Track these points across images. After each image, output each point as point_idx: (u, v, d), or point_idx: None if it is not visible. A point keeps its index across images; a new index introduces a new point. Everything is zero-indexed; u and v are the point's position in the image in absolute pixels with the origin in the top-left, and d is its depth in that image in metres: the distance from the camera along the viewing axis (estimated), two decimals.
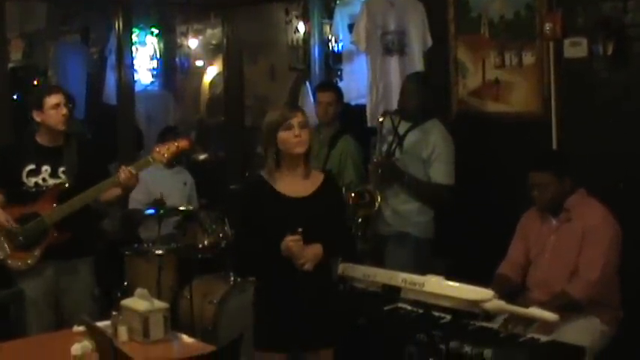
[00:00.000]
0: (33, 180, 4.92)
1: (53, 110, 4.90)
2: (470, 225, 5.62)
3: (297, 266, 3.85)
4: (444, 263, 5.47)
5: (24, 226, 4.85)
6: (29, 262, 4.88)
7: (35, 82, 9.61)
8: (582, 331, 4.18)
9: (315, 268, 3.89)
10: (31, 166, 4.92)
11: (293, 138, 3.89)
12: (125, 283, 6.15)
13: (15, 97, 8.34)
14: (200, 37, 10.22)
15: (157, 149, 4.91)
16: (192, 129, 9.70)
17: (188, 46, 10.19)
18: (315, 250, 3.88)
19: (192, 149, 6.51)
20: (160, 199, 6.28)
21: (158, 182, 6.80)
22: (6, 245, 4.88)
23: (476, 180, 5.54)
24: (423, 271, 5.04)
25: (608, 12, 4.91)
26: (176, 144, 4.89)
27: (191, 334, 5.61)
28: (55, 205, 4.88)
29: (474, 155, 5.60)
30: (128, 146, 7.91)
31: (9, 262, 4.90)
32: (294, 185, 3.97)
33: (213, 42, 9.83)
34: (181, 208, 6.38)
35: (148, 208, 6.33)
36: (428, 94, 5.38)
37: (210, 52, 10.02)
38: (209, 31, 10.03)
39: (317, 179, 4.03)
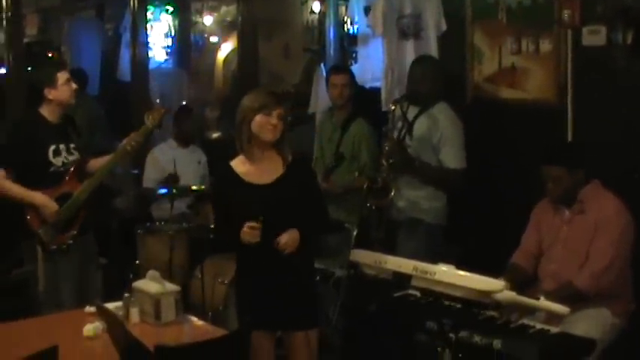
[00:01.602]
0: (60, 159, 4.95)
1: (65, 86, 4.96)
2: (483, 211, 5.62)
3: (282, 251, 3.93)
4: (456, 249, 5.48)
5: (61, 208, 4.88)
6: (70, 242, 4.93)
7: (50, 55, 9.65)
8: (592, 323, 4.17)
9: (292, 252, 3.97)
10: (53, 146, 4.94)
11: (269, 125, 3.97)
12: (137, 262, 6.19)
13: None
14: (215, 14, 10.20)
15: (150, 116, 5.16)
16: (206, 106, 9.68)
17: (203, 23, 10.17)
18: (292, 234, 3.96)
19: (183, 126, 6.72)
20: (174, 174, 6.31)
21: (173, 161, 6.83)
22: (49, 230, 4.88)
23: (490, 166, 5.52)
24: (435, 258, 5.09)
25: (628, 0, 4.85)
26: (162, 109, 5.24)
27: (202, 314, 5.71)
28: (79, 181, 4.95)
29: (488, 141, 5.58)
30: (142, 123, 7.90)
31: (53, 246, 4.91)
32: (261, 172, 4.06)
33: (228, 19, 9.80)
34: (194, 188, 6.40)
35: (161, 187, 6.36)
36: (436, 78, 5.35)
37: (225, 28, 9.99)
38: (224, 8, 10.01)
39: (280, 165, 4.09)
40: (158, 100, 8.53)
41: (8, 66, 7.33)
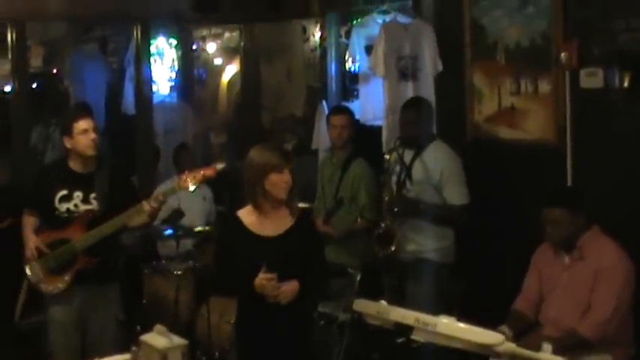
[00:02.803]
0: (65, 206, 4.99)
1: (82, 135, 4.97)
2: (485, 250, 5.67)
3: (271, 300, 4.05)
4: (460, 286, 5.55)
5: (54, 251, 4.93)
6: (60, 286, 4.96)
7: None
8: None
9: (290, 303, 4.09)
10: (64, 192, 4.99)
11: (282, 183, 4.11)
12: (144, 301, 6.25)
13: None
14: (218, 41, 10.31)
15: (183, 177, 4.93)
16: (207, 141, 9.74)
17: (206, 51, 10.27)
18: (292, 286, 4.09)
19: (185, 163, 6.67)
20: (178, 210, 6.38)
21: (178, 198, 6.90)
22: (38, 270, 4.96)
23: (490, 205, 5.57)
24: (442, 296, 5.17)
25: (623, 43, 4.89)
26: (202, 172, 4.92)
27: (209, 353, 5.77)
28: (85, 230, 4.96)
29: (488, 180, 5.63)
30: (147, 159, 7.99)
31: (41, 286, 4.98)
32: (269, 225, 4.20)
33: (231, 45, 9.90)
34: (198, 229, 6.46)
35: (167, 227, 6.42)
36: (426, 118, 5.40)
37: (228, 54, 10.10)
38: (227, 35, 10.11)
39: (290, 219, 4.22)
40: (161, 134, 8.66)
41: (14, 92, 7.48)
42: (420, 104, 5.56)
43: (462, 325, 3.78)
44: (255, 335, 4.21)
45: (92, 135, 5.00)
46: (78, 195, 5.01)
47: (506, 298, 4.82)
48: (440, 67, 5.97)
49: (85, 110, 8.96)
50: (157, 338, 4.06)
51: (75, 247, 4.94)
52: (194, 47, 10.20)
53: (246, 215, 4.23)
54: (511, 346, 3.71)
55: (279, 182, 4.12)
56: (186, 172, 5.00)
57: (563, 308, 4.42)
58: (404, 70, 6.05)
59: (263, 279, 4.03)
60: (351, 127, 6.00)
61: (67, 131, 4.99)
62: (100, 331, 5.13)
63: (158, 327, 4.11)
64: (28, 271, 4.97)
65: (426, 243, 5.42)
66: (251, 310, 4.21)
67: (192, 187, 4.92)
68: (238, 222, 4.22)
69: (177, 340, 4.06)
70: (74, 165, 5.06)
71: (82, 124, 4.99)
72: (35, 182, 5.21)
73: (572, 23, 5.17)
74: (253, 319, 4.21)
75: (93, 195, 5.03)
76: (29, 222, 5.09)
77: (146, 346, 4.05)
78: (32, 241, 4.98)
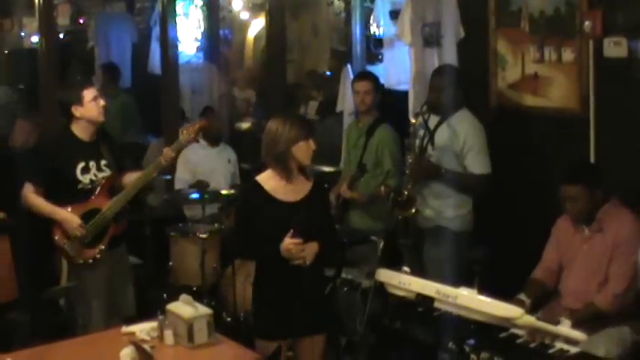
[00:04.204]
0: (87, 177, 5.05)
1: (92, 103, 5.02)
2: (507, 217, 5.69)
3: (297, 262, 4.21)
4: (481, 253, 5.59)
5: (88, 224, 5.01)
6: (98, 256, 5.06)
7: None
8: (613, 341, 4.26)
9: (311, 264, 4.27)
10: (82, 164, 5.05)
11: (310, 151, 4.32)
12: (170, 264, 6.36)
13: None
14: None
15: (184, 130, 5.16)
16: (233, 99, 9.79)
17: (230, 11, 10.27)
18: (313, 248, 4.26)
19: (212, 126, 6.76)
20: (203, 182, 6.47)
21: (203, 161, 7.02)
22: (75, 245, 5.03)
23: (514, 173, 5.59)
24: (460, 264, 5.23)
25: None
26: (197, 124, 5.17)
27: (234, 315, 5.87)
28: (108, 197, 5.06)
29: (512, 148, 5.65)
30: (173, 120, 8.05)
31: (80, 260, 5.06)
32: (290, 190, 4.36)
33: (257, 1, 9.91)
34: (224, 192, 6.53)
35: (193, 192, 6.51)
36: (456, 87, 5.38)
37: (254, 10, 10.11)
38: None
39: (308, 185, 4.41)
40: (189, 94, 8.72)
41: (41, 51, 7.57)
42: (450, 71, 5.55)
43: (482, 297, 3.87)
44: (277, 296, 4.34)
45: (102, 102, 5.08)
46: (92, 164, 5.09)
47: (526, 266, 4.88)
48: (462, 34, 5.96)
49: (111, 71, 9.09)
50: (183, 307, 4.17)
51: (106, 215, 5.04)
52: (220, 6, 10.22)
53: (267, 181, 4.38)
54: (530, 319, 3.80)
55: (307, 150, 4.30)
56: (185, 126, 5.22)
57: (583, 279, 4.48)
58: (428, 37, 6.05)
59: (290, 243, 4.17)
60: (374, 92, 6.02)
61: (77, 100, 5.01)
62: (122, 290, 5.30)
63: (184, 296, 4.23)
64: (67, 248, 5.03)
65: (444, 210, 5.45)
66: (273, 272, 4.34)
67: (192, 138, 5.11)
68: (259, 188, 4.36)
69: (203, 309, 4.18)
70: (82, 134, 5.09)
71: (92, 92, 5.04)
72: (49, 157, 5.09)
73: None
74: (276, 281, 4.35)
75: (103, 162, 5.12)
76: (43, 201, 5.02)
77: (172, 315, 4.16)
78: (76, 220, 4.99)
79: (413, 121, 5.46)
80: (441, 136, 5.40)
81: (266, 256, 4.34)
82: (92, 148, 5.12)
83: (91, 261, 5.06)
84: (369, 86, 6.01)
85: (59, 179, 5.03)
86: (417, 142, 5.41)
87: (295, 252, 4.20)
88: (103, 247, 5.07)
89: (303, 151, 4.29)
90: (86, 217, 5.02)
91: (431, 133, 5.42)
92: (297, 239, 4.19)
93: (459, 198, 5.47)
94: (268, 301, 4.40)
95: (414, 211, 5.24)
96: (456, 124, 5.39)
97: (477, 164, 5.37)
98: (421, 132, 5.45)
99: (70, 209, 5.01)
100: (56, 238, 5.03)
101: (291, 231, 4.17)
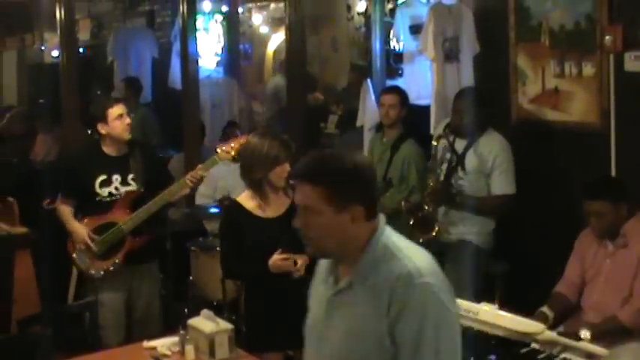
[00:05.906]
0: (106, 190, 5.10)
1: (117, 121, 5.09)
2: (528, 232, 5.69)
3: (295, 276, 4.26)
4: (502, 268, 5.59)
5: (102, 236, 5.06)
6: (111, 269, 5.10)
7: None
8: (633, 356, 4.24)
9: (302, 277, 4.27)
10: (103, 177, 5.10)
11: (284, 174, 4.41)
12: (190, 278, 6.38)
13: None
14: (264, 12, 10.36)
15: (223, 147, 5.06)
16: (252, 113, 9.82)
17: (250, 26, 10.32)
18: (304, 260, 4.25)
19: None
20: (227, 197, 6.49)
21: (223, 176, 7.02)
22: (87, 257, 5.09)
23: (535, 187, 5.58)
24: (481, 279, 5.21)
25: None
26: (239, 140, 5.02)
27: None
28: (128, 212, 5.09)
29: (533, 162, 5.64)
30: (193, 135, 8.08)
31: (92, 272, 5.12)
32: (269, 207, 4.47)
33: (277, 16, 9.95)
34: None
35: (213, 205, 6.53)
36: (478, 109, 5.37)
37: (274, 24, 10.15)
38: (272, 5, 10.16)
39: (285, 200, 4.48)
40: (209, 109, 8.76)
41: (62, 66, 7.67)
42: (473, 94, 5.53)
43: (503, 312, 3.87)
44: (269, 311, 4.41)
45: (127, 120, 5.14)
46: (116, 178, 5.13)
47: (548, 281, 4.85)
48: (478, 49, 5.97)
49: (133, 85, 9.15)
50: (204, 322, 4.18)
51: (122, 229, 5.06)
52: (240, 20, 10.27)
53: (247, 200, 4.49)
54: (551, 335, 3.79)
55: (281, 173, 4.41)
56: (224, 142, 5.16)
57: (606, 295, 4.44)
58: (448, 51, 6.05)
59: (278, 260, 4.26)
60: (400, 107, 6.01)
61: (102, 118, 5.09)
62: (147, 308, 5.31)
63: (205, 311, 4.24)
64: (76, 260, 5.10)
65: (466, 225, 5.45)
66: (263, 288, 4.43)
67: (231, 156, 5.02)
68: (241, 208, 4.47)
69: (224, 324, 4.18)
70: (108, 149, 5.18)
71: (117, 110, 5.10)
72: (71, 170, 5.29)
73: (617, 6, 5.13)
74: (263, 296, 4.44)
75: (131, 176, 5.15)
76: (67, 211, 5.19)
77: (194, 329, 4.17)
78: (83, 231, 5.08)
79: (434, 143, 5.46)
80: (471, 160, 5.39)
81: (254, 274, 4.43)
82: (120, 162, 5.17)
83: (102, 273, 5.09)
84: (395, 100, 6.02)
85: (78, 191, 5.13)
86: (444, 165, 5.41)
87: (285, 267, 4.27)
88: (117, 260, 5.10)
89: (277, 175, 4.41)
90: (101, 230, 5.07)
91: (459, 157, 5.41)
92: (287, 255, 4.26)
93: (482, 218, 5.47)
94: (263, 317, 4.46)
95: (434, 234, 5.25)
96: (484, 146, 5.39)
97: (500, 184, 5.37)
98: (447, 155, 5.44)
99: (86, 221, 5.09)
100: (69, 248, 5.14)
101: (279, 250, 4.26)
